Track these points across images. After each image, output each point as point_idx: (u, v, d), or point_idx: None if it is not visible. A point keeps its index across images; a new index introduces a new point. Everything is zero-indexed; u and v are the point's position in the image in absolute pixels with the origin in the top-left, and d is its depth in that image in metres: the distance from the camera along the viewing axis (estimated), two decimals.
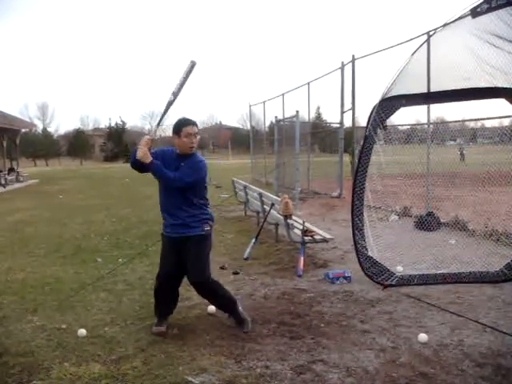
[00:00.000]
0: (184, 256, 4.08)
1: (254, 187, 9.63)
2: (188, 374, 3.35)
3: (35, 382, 3.30)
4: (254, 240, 6.84)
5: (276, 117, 16.05)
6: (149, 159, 3.84)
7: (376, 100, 5.47)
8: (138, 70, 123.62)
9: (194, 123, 4.04)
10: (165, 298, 4.23)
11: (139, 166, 3.95)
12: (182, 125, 3.98)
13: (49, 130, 69.80)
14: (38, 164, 57.53)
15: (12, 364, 3.55)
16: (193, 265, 4.07)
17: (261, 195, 7.99)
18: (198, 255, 4.08)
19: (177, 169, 3.97)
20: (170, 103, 4.00)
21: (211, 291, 4.22)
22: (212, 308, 4.54)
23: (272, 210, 7.15)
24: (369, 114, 5.48)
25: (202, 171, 4.04)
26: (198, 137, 4.06)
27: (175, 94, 4.00)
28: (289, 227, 6.49)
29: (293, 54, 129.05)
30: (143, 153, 3.82)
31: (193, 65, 3.99)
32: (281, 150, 15.53)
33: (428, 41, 7.09)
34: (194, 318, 4.45)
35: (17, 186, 22.39)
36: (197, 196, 4.06)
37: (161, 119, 4.12)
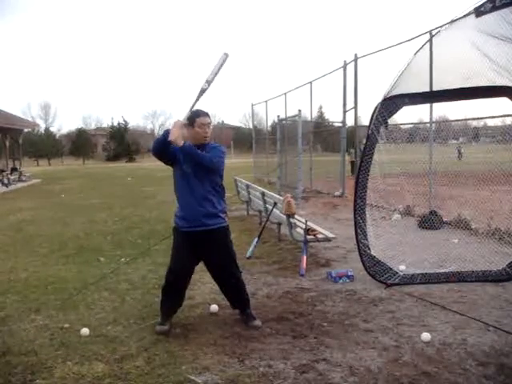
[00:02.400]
0: (208, 250, 4.09)
1: (256, 186, 9.63)
2: (191, 373, 3.36)
3: (38, 381, 3.31)
4: (256, 239, 6.84)
5: (278, 116, 16.06)
6: (182, 142, 3.82)
7: (379, 99, 5.46)
8: (141, 69, 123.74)
9: (206, 114, 4.07)
10: (174, 296, 4.19)
11: (162, 151, 3.93)
12: (195, 115, 4.02)
13: (51, 129, 69.92)
14: (40, 163, 57.57)
15: (15, 363, 3.56)
16: (227, 258, 4.15)
17: (263, 194, 7.98)
18: (229, 250, 4.19)
19: None
20: (203, 91, 3.97)
21: (242, 285, 4.28)
22: (215, 307, 4.55)
23: (274, 209, 7.14)
24: (371, 113, 5.47)
25: (225, 155, 4.13)
26: (211, 127, 4.11)
27: (209, 83, 3.99)
28: (291, 226, 6.49)
29: (295, 53, 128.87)
30: (177, 135, 3.79)
31: (226, 57, 4.02)
32: (283, 150, 15.53)
33: (431, 40, 7.08)
34: (197, 317, 4.45)
35: (19, 185, 22.42)
36: (219, 184, 4.11)
37: (193, 105, 4.00)
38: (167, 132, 3.87)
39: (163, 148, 3.91)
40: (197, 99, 3.98)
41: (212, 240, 4.07)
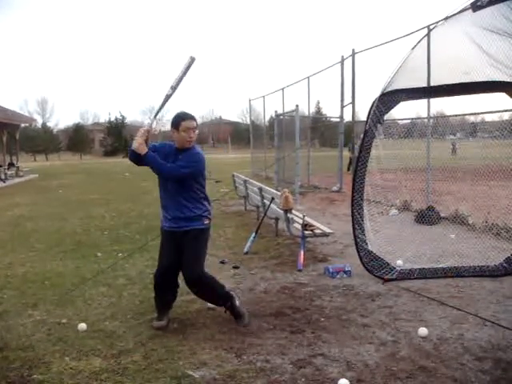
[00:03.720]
0: (182, 250, 4.08)
1: (253, 182, 9.62)
2: (188, 368, 3.36)
3: (36, 376, 3.30)
4: (254, 234, 6.84)
5: (276, 111, 16.04)
6: (144, 150, 3.88)
7: (376, 94, 5.46)
8: (138, 64, 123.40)
9: (192, 117, 4.02)
10: (164, 292, 4.21)
11: (136, 158, 3.98)
12: (180, 119, 3.97)
13: (48, 124, 69.79)
14: (37, 159, 57.46)
15: (12, 358, 3.56)
16: (188, 260, 4.04)
17: (261, 189, 7.97)
18: (195, 250, 4.07)
19: (175, 162, 3.99)
20: (168, 97, 4.03)
21: (205, 286, 4.14)
22: None
23: (272, 205, 7.14)
24: (369, 109, 5.46)
25: (199, 164, 4.02)
26: (197, 131, 4.04)
27: (174, 88, 4.03)
28: (289, 221, 6.49)
29: (293, 48, 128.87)
30: (138, 143, 3.88)
31: (192, 60, 4.04)
32: (281, 145, 15.53)
33: (428, 34, 7.07)
34: (194, 312, 4.45)
35: (17, 180, 22.38)
36: (196, 190, 4.05)
37: (158, 112, 4.17)
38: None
39: (136, 155, 3.95)
40: (162, 105, 4.07)
41: (185, 239, 4.06)
